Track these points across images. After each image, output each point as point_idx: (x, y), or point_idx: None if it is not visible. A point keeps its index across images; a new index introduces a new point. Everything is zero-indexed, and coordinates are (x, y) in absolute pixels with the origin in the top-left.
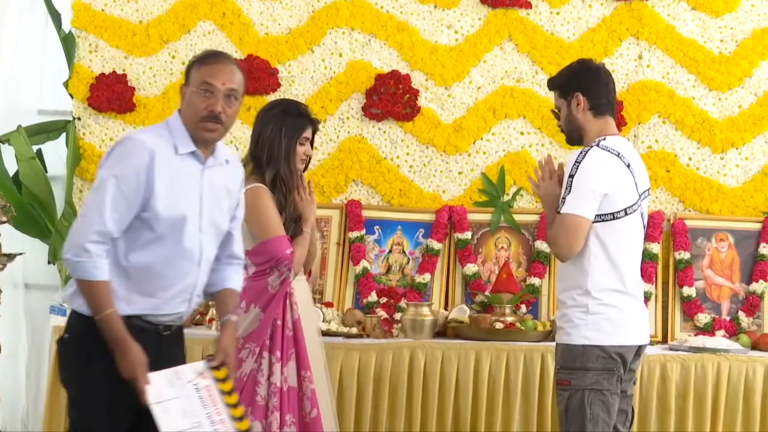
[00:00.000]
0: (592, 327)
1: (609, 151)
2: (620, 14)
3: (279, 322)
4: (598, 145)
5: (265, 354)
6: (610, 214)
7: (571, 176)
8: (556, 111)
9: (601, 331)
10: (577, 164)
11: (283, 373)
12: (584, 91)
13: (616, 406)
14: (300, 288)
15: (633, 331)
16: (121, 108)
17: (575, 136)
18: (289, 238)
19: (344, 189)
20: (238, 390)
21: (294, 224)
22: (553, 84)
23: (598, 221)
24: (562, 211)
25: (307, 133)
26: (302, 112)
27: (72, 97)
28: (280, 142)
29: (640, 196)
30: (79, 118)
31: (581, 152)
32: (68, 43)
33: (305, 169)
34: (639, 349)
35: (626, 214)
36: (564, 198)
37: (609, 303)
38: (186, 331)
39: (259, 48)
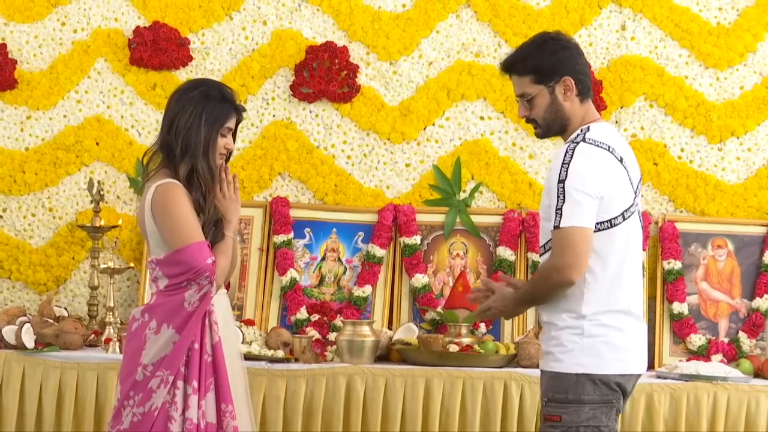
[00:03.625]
0: (588, 352)
1: (598, 145)
2: None
3: (196, 346)
4: (584, 140)
5: (180, 384)
6: (607, 221)
7: (561, 181)
8: (528, 100)
9: (598, 356)
10: (565, 166)
11: (201, 406)
12: (575, 74)
13: None
14: (220, 304)
15: (635, 356)
16: None
17: (556, 129)
18: (209, 245)
19: (268, 184)
20: (149, 426)
21: (214, 228)
22: (525, 67)
23: (594, 231)
24: (561, 225)
25: (231, 123)
26: (227, 97)
27: None
28: (198, 131)
29: (635, 193)
30: None
31: (566, 151)
32: None
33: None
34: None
35: (624, 218)
36: (559, 209)
37: (608, 324)
38: (80, 354)
39: (166, 13)
